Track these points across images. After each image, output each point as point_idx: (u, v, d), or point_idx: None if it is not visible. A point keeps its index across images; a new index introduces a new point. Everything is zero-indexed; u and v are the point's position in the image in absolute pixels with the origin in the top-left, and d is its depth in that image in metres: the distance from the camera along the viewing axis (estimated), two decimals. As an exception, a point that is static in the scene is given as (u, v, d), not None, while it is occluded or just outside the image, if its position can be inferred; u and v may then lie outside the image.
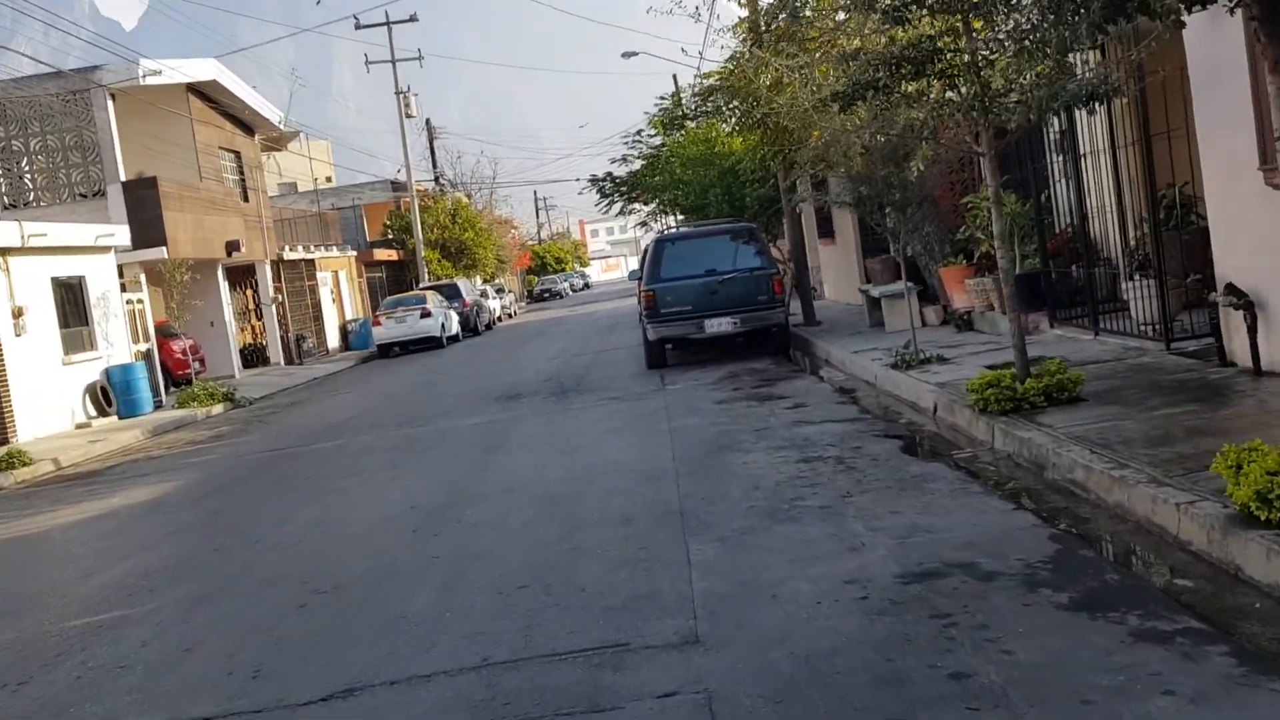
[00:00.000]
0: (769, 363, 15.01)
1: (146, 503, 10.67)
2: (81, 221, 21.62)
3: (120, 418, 20.34)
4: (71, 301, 20.08)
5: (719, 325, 15.13)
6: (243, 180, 29.49)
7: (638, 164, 32.13)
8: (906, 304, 14.07)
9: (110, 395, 20.32)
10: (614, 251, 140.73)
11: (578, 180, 42.15)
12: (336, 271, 36.64)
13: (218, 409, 20.79)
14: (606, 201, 33.64)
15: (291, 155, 57.03)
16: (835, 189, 19.54)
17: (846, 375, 12.74)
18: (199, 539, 8.53)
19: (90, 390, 19.90)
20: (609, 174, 33.13)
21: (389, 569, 6.57)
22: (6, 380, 17.46)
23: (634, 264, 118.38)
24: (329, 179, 56.52)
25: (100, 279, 20.84)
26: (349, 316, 36.72)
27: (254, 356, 30.80)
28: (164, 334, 24.39)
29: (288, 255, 31.81)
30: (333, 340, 35.16)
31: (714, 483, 7.62)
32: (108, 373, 20.52)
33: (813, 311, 17.76)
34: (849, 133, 10.99)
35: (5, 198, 22.76)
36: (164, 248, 22.58)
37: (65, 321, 19.75)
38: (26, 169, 22.74)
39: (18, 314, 17.94)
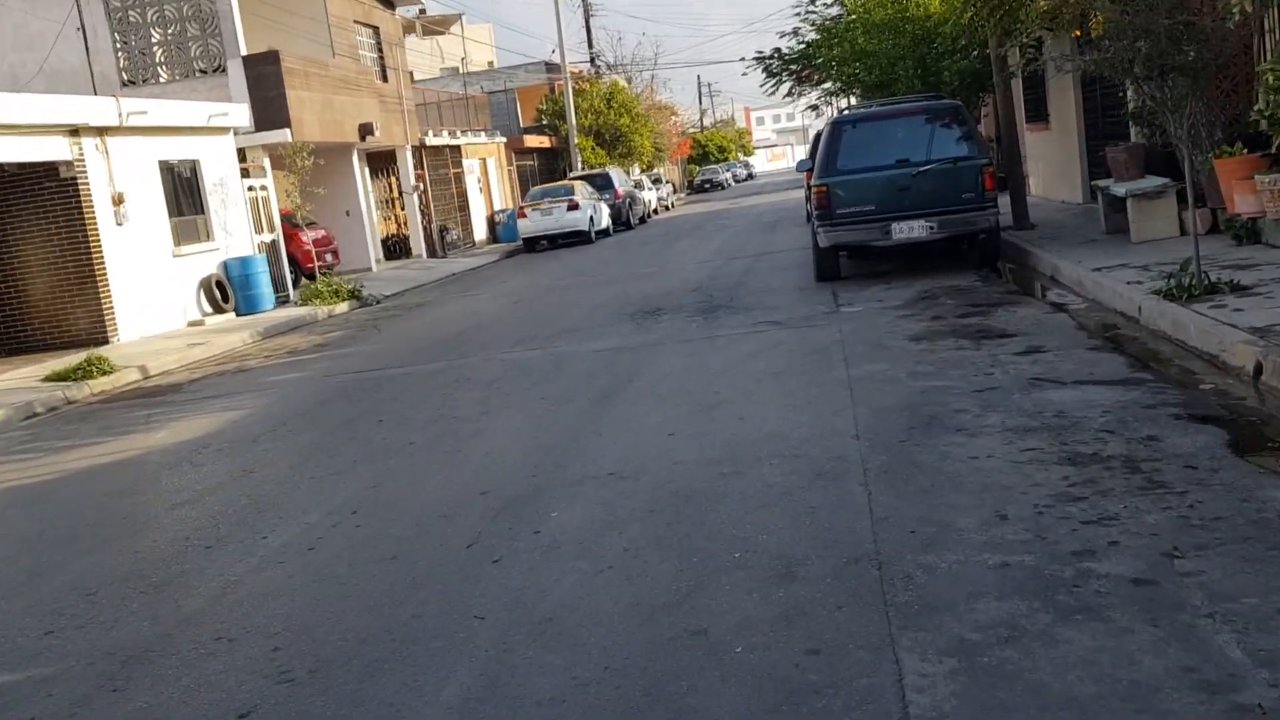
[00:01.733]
0: (974, 278, 11.89)
1: (186, 444, 8.62)
2: (201, 100, 19.87)
3: (238, 314, 18.78)
4: (184, 188, 18.39)
5: (910, 230, 12.05)
6: (381, 59, 27.36)
7: (811, 37, 28.51)
8: (1168, 206, 10.73)
9: (227, 290, 18.71)
10: (780, 140, 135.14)
11: (743, 60, 38.59)
12: (484, 159, 34.50)
13: (341, 308, 18.99)
14: (773, 82, 30.09)
15: (453, 39, 55.18)
16: (1056, 57, 15.91)
17: (1088, 302, 9.58)
18: (193, 525, 6.31)
19: (205, 285, 18.30)
20: (776, 50, 29.57)
21: (403, 636, 4.13)
22: (106, 274, 15.89)
23: (802, 153, 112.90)
24: (490, 64, 54.26)
25: (217, 163, 19.08)
26: (497, 207, 34.66)
27: (397, 248, 29.13)
28: (293, 224, 22.70)
29: (431, 140, 29.75)
30: (479, 232, 33.23)
31: (927, 495, 4.86)
32: (225, 266, 18.89)
33: (1026, 212, 14.38)
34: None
35: (124, 74, 21.18)
36: (287, 130, 20.66)
37: (177, 209, 18.10)
38: (145, 42, 21.05)
39: (118, 201, 16.28)
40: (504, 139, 36.62)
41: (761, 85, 30.43)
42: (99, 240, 15.80)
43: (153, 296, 16.87)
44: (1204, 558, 3.82)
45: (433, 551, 5.08)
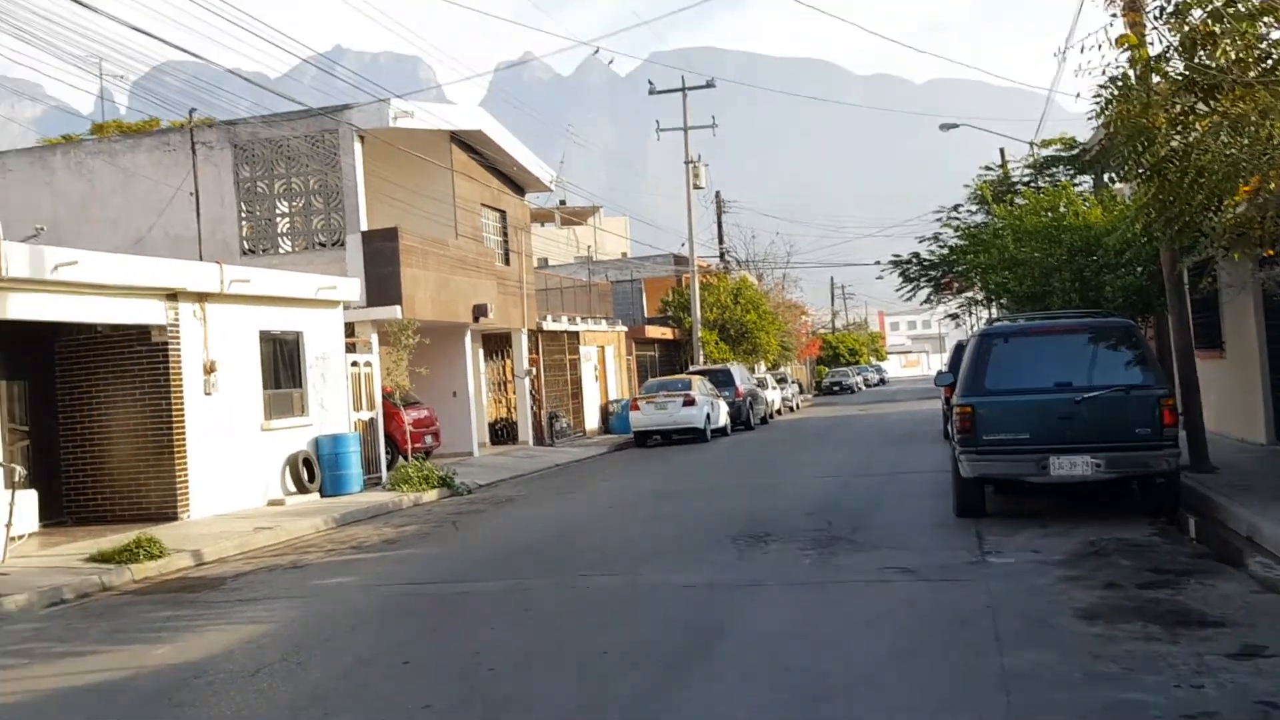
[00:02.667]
0: (1150, 530, 9.84)
1: (180, 670, 7.15)
2: (318, 272, 19.49)
3: (322, 495, 17.70)
4: (284, 359, 17.72)
5: (1072, 467, 10.13)
6: (505, 242, 27.10)
7: (954, 243, 27.23)
8: None
9: (315, 469, 17.71)
10: (915, 346, 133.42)
11: (878, 264, 37.60)
12: (603, 346, 33.77)
13: (429, 495, 17.75)
14: (910, 287, 28.80)
15: (589, 229, 56.12)
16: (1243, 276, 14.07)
17: (1312, 581, 7.49)
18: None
19: (291, 462, 17.33)
20: (915, 255, 28.37)
21: None
22: (185, 446, 15.03)
23: (938, 362, 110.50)
24: (624, 254, 54.80)
25: (321, 336, 18.44)
26: (612, 396, 33.66)
27: (504, 432, 28.15)
28: (395, 402, 21.90)
29: (548, 325, 29.12)
30: (592, 420, 32.14)
31: None
32: (317, 443, 17.97)
33: (1205, 452, 12.30)
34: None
35: (245, 241, 21.10)
36: (398, 306, 20.06)
37: (273, 381, 17.37)
38: (270, 211, 21.03)
39: (209, 369, 15.57)
40: (625, 328, 35.96)
41: (897, 290, 29.13)
42: (182, 410, 15.02)
43: (233, 472, 15.92)
44: None
45: None
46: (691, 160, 40.31)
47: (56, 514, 15.15)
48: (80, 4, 13.47)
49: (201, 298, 15.56)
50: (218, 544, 12.88)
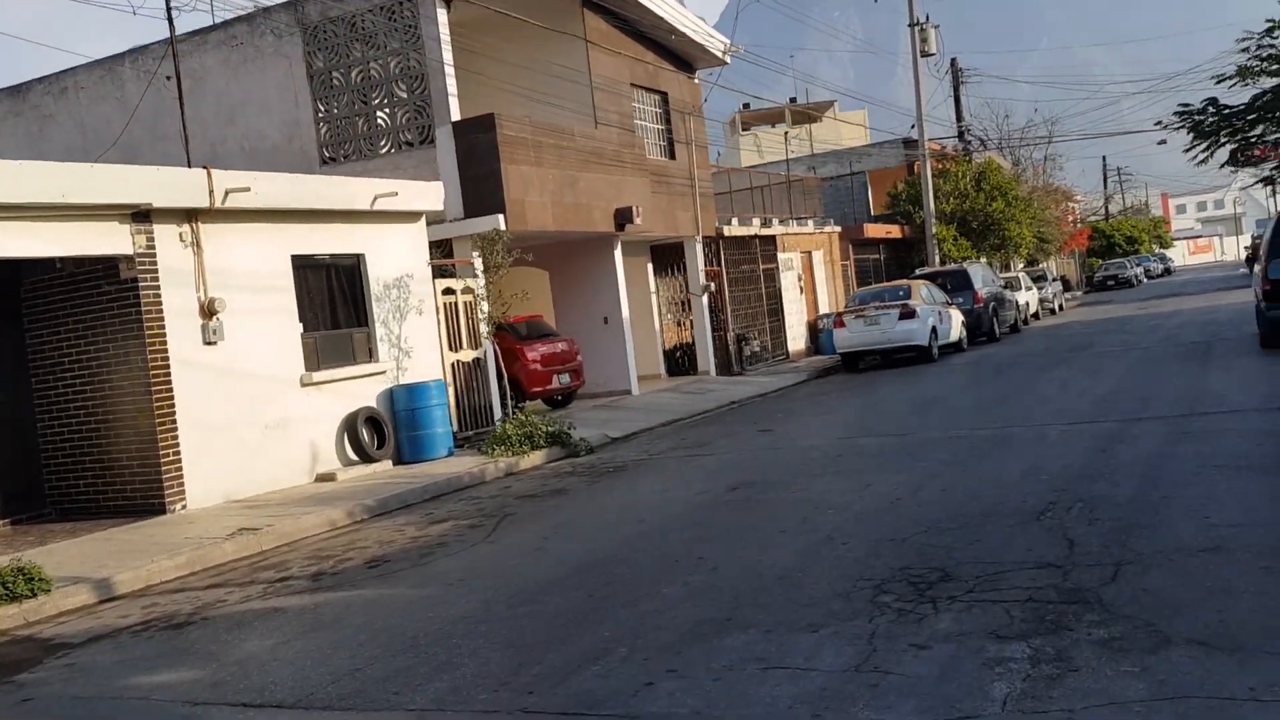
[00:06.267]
0: None
1: None
2: (409, 178, 15.38)
3: (398, 463, 13.76)
4: (338, 291, 13.75)
5: None
6: (669, 131, 22.11)
7: (1266, 82, 19.98)
8: None
9: (385, 430, 13.74)
10: (1206, 231, 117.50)
11: (1159, 125, 29.86)
12: (809, 252, 28.27)
13: (533, 458, 13.47)
14: (1206, 145, 21.69)
15: (830, 124, 50.04)
16: None
17: None
18: None
19: (349, 424, 13.41)
20: (1211, 101, 21.20)
21: None
22: (173, 413, 11.28)
23: (1233, 247, 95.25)
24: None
25: (392, 258, 14.33)
26: (822, 310, 28.21)
27: (684, 360, 23.49)
28: (521, 335, 17.67)
29: (733, 230, 24.01)
30: (797, 341, 26.91)
31: None
32: (391, 396, 13.98)
33: None
34: None
35: (325, 149, 17.22)
36: (500, 215, 15.65)
37: (324, 320, 13.47)
38: (352, 112, 17.00)
39: (209, 311, 11.72)
40: (838, 228, 30.20)
41: (1186, 150, 22.05)
42: (166, 366, 11.25)
43: (256, 443, 12.13)
44: None
45: None
46: (918, 22, 33.55)
47: (36, 505, 11.86)
48: None
49: (190, 216, 11.66)
50: (159, 562, 9.00)
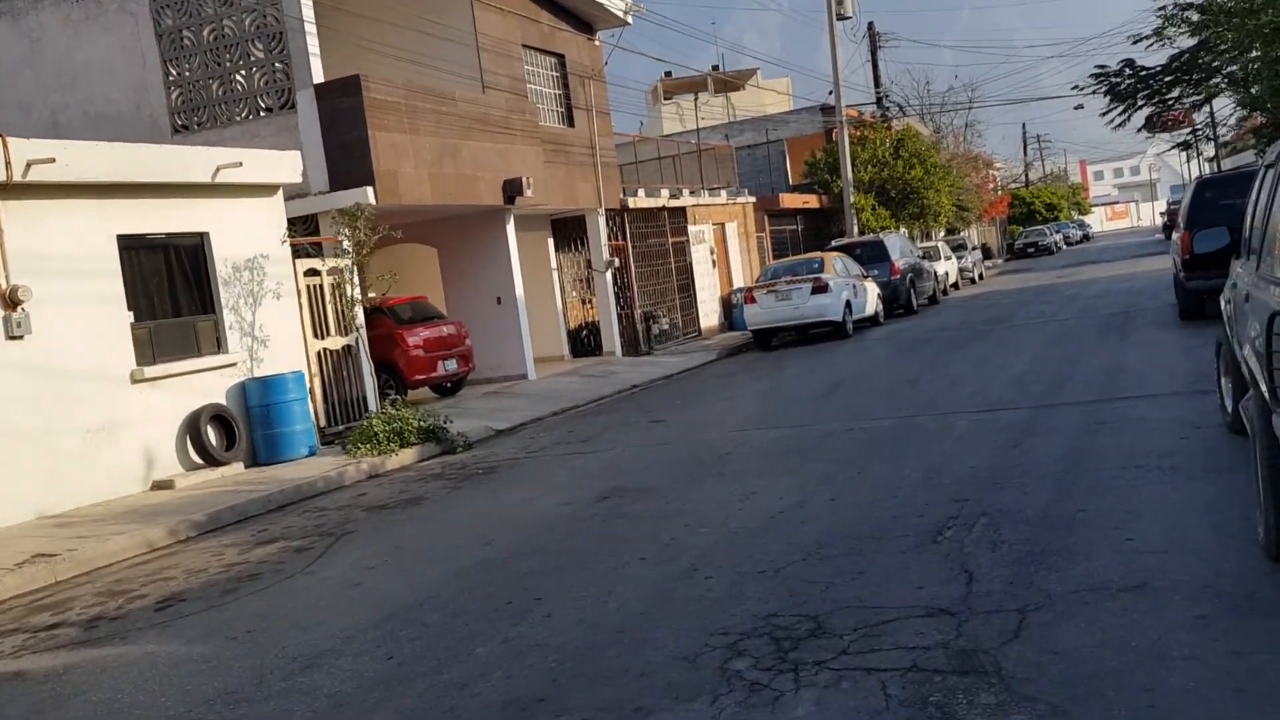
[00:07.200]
0: None
1: None
2: (268, 147, 13.89)
3: (251, 465, 12.38)
4: (178, 275, 12.26)
5: None
6: (567, 96, 20.76)
7: (1181, 43, 19.20)
8: None
9: (235, 429, 12.32)
10: (1123, 197, 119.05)
11: (1076, 89, 29.17)
12: (722, 224, 27.15)
13: (403, 457, 12.20)
14: (1123, 109, 20.95)
15: (749, 93, 48.80)
16: None
17: None
18: None
19: (190, 423, 11.97)
20: (1128, 62, 20.43)
21: None
22: (-30, 421, 9.76)
23: (1149, 212, 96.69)
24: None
25: (242, 237, 12.87)
26: (736, 284, 27.14)
27: (589, 340, 22.27)
28: (402, 319, 16.30)
29: (638, 202, 22.78)
30: (710, 317, 25.82)
31: None
32: (243, 391, 12.56)
33: None
34: None
35: (177, 116, 15.59)
36: (369, 188, 14.22)
37: (161, 308, 11.99)
38: (204, 75, 15.38)
39: (10, 301, 10.21)
40: (752, 199, 29.11)
41: (1104, 113, 21.29)
42: (-43, 366, 9.73)
43: (72, 449, 10.65)
44: None
45: None
46: (832, -16, 32.48)
47: None
48: None
49: (-12, 192, 10.12)
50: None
